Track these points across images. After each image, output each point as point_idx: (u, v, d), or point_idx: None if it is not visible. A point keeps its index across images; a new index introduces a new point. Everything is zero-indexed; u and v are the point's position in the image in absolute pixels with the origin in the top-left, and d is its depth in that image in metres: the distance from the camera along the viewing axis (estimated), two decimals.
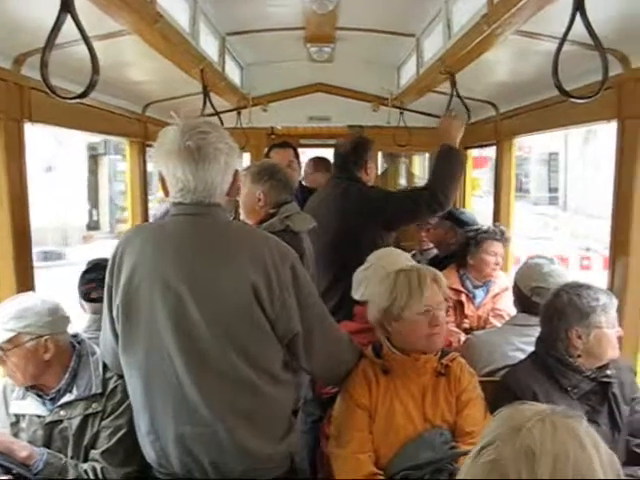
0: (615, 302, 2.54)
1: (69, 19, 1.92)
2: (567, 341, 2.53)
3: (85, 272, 3.00)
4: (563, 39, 2.08)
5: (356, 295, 2.92)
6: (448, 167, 3.61)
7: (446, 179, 3.57)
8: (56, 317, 2.37)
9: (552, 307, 2.60)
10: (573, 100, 2.30)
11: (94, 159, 24.79)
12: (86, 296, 2.92)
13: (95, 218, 24.87)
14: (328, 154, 4.49)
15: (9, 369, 2.30)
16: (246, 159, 5.83)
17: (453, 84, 3.64)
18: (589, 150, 27.47)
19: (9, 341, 2.25)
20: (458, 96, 3.69)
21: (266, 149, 5.33)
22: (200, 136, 2.06)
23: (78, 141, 21.77)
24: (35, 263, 2.99)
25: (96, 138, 19.69)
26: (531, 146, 29.29)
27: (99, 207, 25.24)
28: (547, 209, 29.60)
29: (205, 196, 2.10)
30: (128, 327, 2.13)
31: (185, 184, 2.09)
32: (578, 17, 2.01)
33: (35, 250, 2.95)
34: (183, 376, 2.06)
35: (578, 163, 28.63)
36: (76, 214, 22.48)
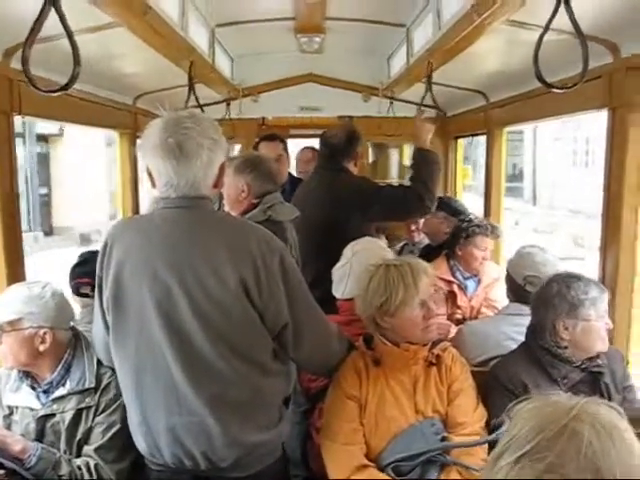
0: (606, 295, 2.53)
1: (54, 12, 1.92)
2: (554, 332, 2.53)
3: (75, 266, 2.99)
4: (545, 29, 2.12)
5: (337, 293, 2.91)
6: (427, 170, 3.64)
7: (428, 182, 3.61)
8: (61, 313, 2.39)
9: (541, 297, 2.60)
10: (554, 90, 2.31)
11: None
12: (76, 290, 2.92)
13: None
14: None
15: (3, 350, 2.32)
16: (237, 150, 5.81)
17: (429, 79, 3.65)
18: (568, 131, 24.76)
19: (10, 323, 2.29)
20: (431, 94, 3.71)
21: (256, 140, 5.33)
22: (182, 132, 2.06)
23: None
24: None
25: None
26: None
27: None
28: (507, 202, 24.85)
29: (189, 190, 2.10)
30: (118, 319, 2.14)
31: (168, 179, 2.10)
32: (562, 7, 2.02)
33: None
34: (173, 367, 2.07)
35: (551, 145, 25.62)
36: None
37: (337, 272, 2.93)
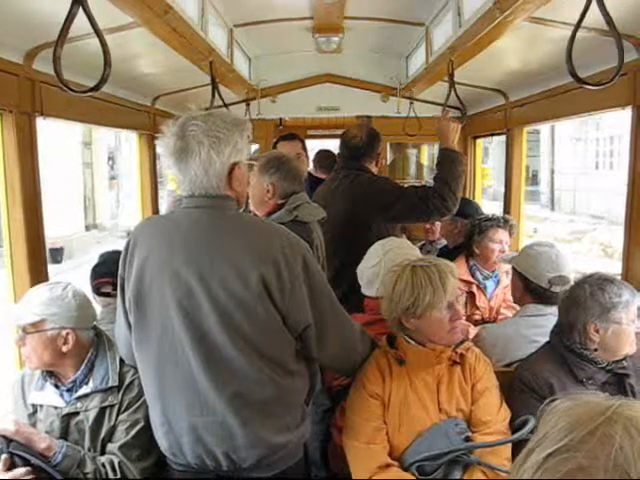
0: (638, 298, 2.49)
1: (80, 13, 1.93)
2: (584, 333, 2.49)
3: (96, 266, 3.00)
4: (578, 25, 2.07)
5: (368, 291, 2.88)
6: (451, 170, 3.61)
7: (452, 182, 3.58)
8: (83, 313, 2.40)
9: (572, 298, 2.55)
10: (587, 87, 2.28)
11: None
12: (97, 290, 2.94)
13: None
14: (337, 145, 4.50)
15: (26, 351, 2.33)
16: (253, 151, 5.81)
17: (451, 78, 3.63)
18: (590, 130, 23.06)
19: (33, 324, 2.30)
20: (455, 93, 3.69)
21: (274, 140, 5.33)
22: (187, 130, 2.05)
23: None
24: None
25: None
26: None
27: None
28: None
29: (199, 188, 2.10)
30: (140, 319, 2.15)
31: (177, 177, 2.12)
32: (594, 2, 1.99)
33: None
34: (195, 367, 2.07)
35: (571, 145, 23.86)
36: None
37: (368, 271, 2.89)
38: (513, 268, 3.20)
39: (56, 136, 17.65)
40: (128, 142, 25.57)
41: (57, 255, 17.80)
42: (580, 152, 24.32)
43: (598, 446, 0.94)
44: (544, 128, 24.50)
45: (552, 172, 25.77)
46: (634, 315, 2.47)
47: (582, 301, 2.49)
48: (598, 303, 2.45)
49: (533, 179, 26.87)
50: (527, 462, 1.01)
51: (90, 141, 22.54)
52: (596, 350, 2.48)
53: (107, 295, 2.91)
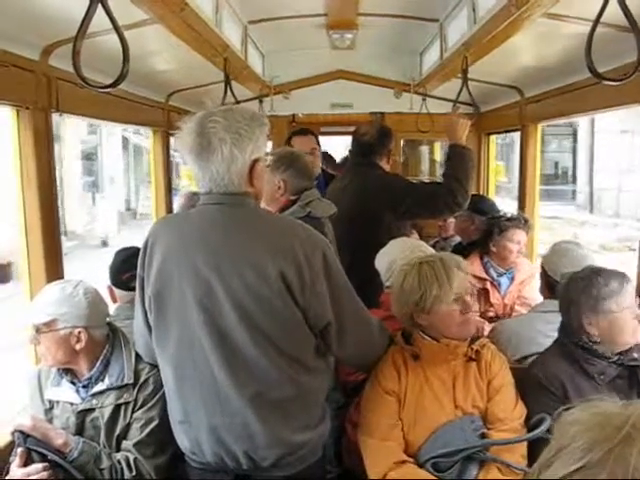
0: (630, 285, 2.48)
1: (99, 9, 1.94)
2: (582, 329, 2.49)
3: (125, 259, 2.96)
4: (597, 20, 2.05)
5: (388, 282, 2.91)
6: (461, 166, 3.62)
7: (462, 179, 3.59)
8: (94, 311, 2.39)
9: (566, 296, 2.57)
10: (606, 82, 2.26)
11: None
12: (126, 284, 2.89)
13: None
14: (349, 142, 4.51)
15: (41, 350, 2.35)
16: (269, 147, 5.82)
17: (465, 74, 3.62)
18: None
19: (45, 324, 2.30)
20: (468, 90, 3.67)
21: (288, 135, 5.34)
22: (207, 127, 2.03)
23: None
24: None
25: None
26: None
27: None
28: (553, 208, 19.64)
29: (219, 186, 2.08)
30: (160, 317, 2.14)
31: (196, 174, 2.10)
32: None
33: None
34: (214, 366, 2.06)
35: (616, 139, 21.19)
36: None
37: (392, 264, 2.91)
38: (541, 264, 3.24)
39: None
40: (112, 137, 24.41)
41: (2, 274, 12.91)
42: (626, 147, 21.66)
43: (615, 467, 0.93)
44: (582, 120, 22.20)
45: (591, 169, 23.02)
46: (628, 302, 2.46)
47: (576, 298, 2.51)
48: (590, 297, 2.46)
49: (563, 176, 25.33)
50: (543, 475, 1.00)
51: (59, 135, 19.62)
52: (599, 343, 2.48)
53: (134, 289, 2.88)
